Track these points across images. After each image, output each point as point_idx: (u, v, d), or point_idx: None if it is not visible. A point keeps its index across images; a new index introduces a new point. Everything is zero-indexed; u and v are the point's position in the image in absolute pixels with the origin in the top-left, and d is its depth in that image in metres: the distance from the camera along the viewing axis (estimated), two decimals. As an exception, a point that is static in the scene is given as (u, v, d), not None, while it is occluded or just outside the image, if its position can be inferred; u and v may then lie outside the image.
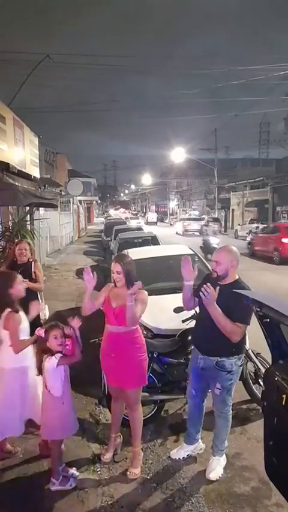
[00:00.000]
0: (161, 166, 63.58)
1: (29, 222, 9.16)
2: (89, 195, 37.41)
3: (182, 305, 3.88)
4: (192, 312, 3.80)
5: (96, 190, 53.57)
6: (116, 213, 51.12)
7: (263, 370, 4.01)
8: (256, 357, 4.20)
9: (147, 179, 66.39)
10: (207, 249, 15.33)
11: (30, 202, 7.82)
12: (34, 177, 11.03)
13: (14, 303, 3.28)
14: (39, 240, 11.61)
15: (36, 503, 2.92)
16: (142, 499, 2.99)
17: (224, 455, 3.34)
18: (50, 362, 3.01)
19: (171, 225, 45.14)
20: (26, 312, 3.38)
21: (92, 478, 3.20)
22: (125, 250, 6.60)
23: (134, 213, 65.36)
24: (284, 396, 2.23)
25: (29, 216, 9.18)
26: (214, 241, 15.94)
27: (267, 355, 2.96)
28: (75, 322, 3.08)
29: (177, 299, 4.41)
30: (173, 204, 64.84)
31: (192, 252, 6.34)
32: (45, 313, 5.05)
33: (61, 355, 3.02)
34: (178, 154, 38.46)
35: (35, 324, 3.49)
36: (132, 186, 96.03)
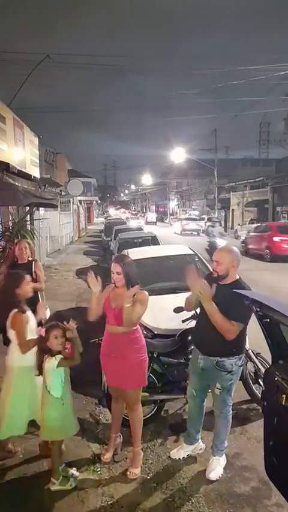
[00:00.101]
0: (161, 167, 63.61)
1: (29, 222, 9.17)
2: (89, 195, 37.42)
3: (182, 305, 3.88)
4: (192, 312, 3.80)
5: (96, 190, 53.60)
6: (116, 213, 51.14)
7: (263, 370, 4.01)
8: (256, 357, 4.20)
9: (147, 179, 66.39)
10: (213, 251, 15.03)
11: (30, 202, 7.83)
12: (34, 177, 11.04)
13: (21, 303, 3.31)
14: (39, 240, 11.62)
15: (36, 503, 2.92)
16: (142, 499, 2.99)
17: (224, 455, 3.34)
18: (50, 362, 3.01)
19: (171, 225, 45.23)
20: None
21: (92, 478, 3.20)
22: (125, 250, 6.61)
23: (134, 213, 65.40)
24: (284, 396, 2.23)
25: (29, 216, 9.19)
26: (221, 243, 14.54)
27: (267, 355, 2.96)
28: (71, 325, 3.08)
29: (177, 299, 4.41)
30: (173, 204, 64.86)
31: (192, 252, 6.34)
32: (46, 313, 5.06)
33: (61, 356, 3.02)
34: (178, 155, 38.44)
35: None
36: (132, 186, 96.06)
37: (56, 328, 3.07)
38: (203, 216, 41.32)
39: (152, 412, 3.95)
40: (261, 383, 3.85)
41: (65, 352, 3.04)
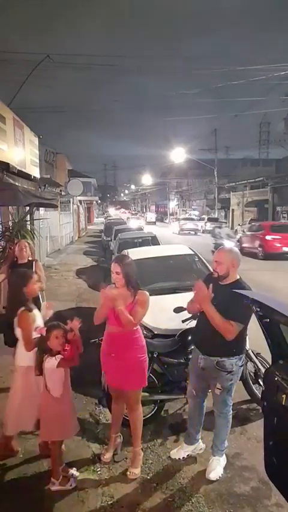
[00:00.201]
0: (161, 167, 63.63)
1: (29, 222, 9.16)
2: (89, 195, 37.42)
3: (182, 305, 3.88)
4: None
5: (96, 191, 53.61)
6: (116, 213, 51.17)
7: (263, 370, 4.00)
8: (256, 357, 4.20)
9: (147, 179, 66.42)
10: None
11: (30, 202, 7.82)
12: (34, 177, 11.03)
13: (27, 302, 3.34)
14: (39, 240, 11.61)
15: (36, 503, 2.92)
16: (142, 499, 2.99)
17: (224, 455, 3.34)
18: (50, 363, 3.01)
19: (170, 225, 45.38)
20: None
21: (92, 478, 3.20)
22: (125, 250, 6.61)
23: (134, 212, 65.45)
24: (284, 396, 2.23)
25: (29, 216, 9.18)
26: (229, 245, 14.48)
27: (267, 355, 2.96)
28: (75, 323, 3.08)
29: (177, 299, 4.42)
30: (173, 204, 64.88)
31: (192, 252, 6.34)
32: (49, 313, 5.07)
33: (61, 356, 3.02)
34: (178, 155, 38.49)
35: None
36: (132, 186, 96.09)
37: (56, 328, 3.07)
38: (203, 216, 41.38)
39: (152, 412, 3.95)
40: (261, 383, 3.85)
41: (64, 353, 3.04)
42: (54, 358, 3.00)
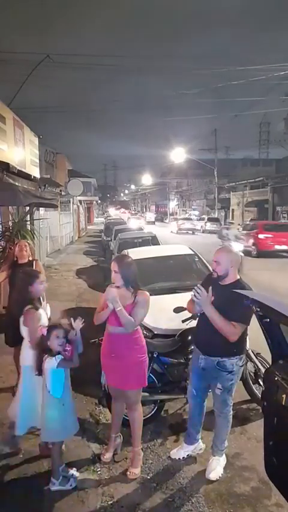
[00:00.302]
0: (161, 167, 63.69)
1: (29, 222, 9.15)
2: (89, 195, 37.41)
3: (181, 305, 3.88)
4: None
5: (96, 190, 53.59)
6: (116, 213, 51.19)
7: (263, 370, 4.01)
8: (256, 357, 4.20)
9: (147, 179, 66.45)
10: None
11: (30, 202, 7.82)
12: (34, 177, 11.03)
13: (33, 301, 3.35)
14: (39, 240, 11.61)
15: (36, 503, 2.92)
16: (142, 499, 2.99)
17: (224, 455, 3.34)
18: (50, 363, 3.01)
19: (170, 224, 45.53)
20: None
21: (92, 478, 3.20)
22: (125, 250, 6.61)
23: (133, 212, 65.50)
24: (284, 396, 2.23)
25: (29, 216, 9.17)
26: (238, 247, 13.14)
27: (267, 355, 2.96)
28: (78, 323, 3.08)
29: (177, 299, 4.42)
30: (173, 204, 64.91)
31: (192, 252, 6.35)
32: (47, 313, 5.07)
33: (61, 356, 3.01)
34: (178, 155, 38.53)
35: None
36: (132, 186, 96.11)
37: (58, 327, 3.07)
38: (203, 216, 41.43)
39: (152, 412, 3.95)
40: (261, 383, 3.85)
41: (64, 353, 3.04)
42: (54, 358, 3.00)
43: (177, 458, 3.45)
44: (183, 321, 3.89)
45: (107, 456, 3.41)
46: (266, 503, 2.96)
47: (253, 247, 17.20)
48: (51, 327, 3.09)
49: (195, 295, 3.06)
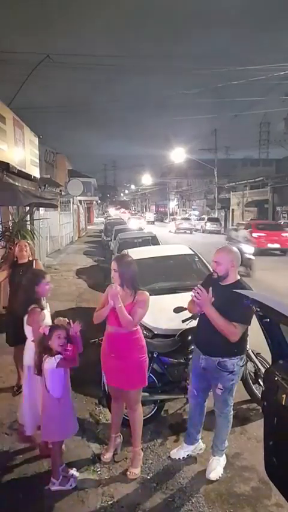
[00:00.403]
0: (161, 167, 63.76)
1: (29, 222, 9.15)
2: (89, 195, 37.42)
3: (181, 305, 3.88)
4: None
5: (96, 190, 53.60)
6: (116, 213, 51.21)
7: (263, 370, 4.01)
8: (256, 357, 4.20)
9: (147, 179, 66.51)
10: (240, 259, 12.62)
11: (30, 202, 7.82)
12: (34, 177, 11.03)
13: (39, 301, 3.36)
14: (39, 240, 11.61)
15: (36, 503, 2.92)
16: (142, 499, 2.99)
17: (224, 455, 3.34)
18: (50, 363, 3.00)
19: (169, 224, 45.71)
20: None
21: (92, 478, 3.20)
22: (125, 250, 6.60)
23: (133, 212, 65.56)
24: (284, 396, 2.23)
25: (29, 216, 9.17)
26: (248, 250, 12.24)
27: (267, 355, 2.96)
28: (76, 327, 3.08)
29: (177, 299, 4.43)
30: (173, 204, 64.94)
31: (192, 252, 6.34)
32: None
33: (61, 356, 3.01)
34: (178, 155, 38.58)
35: None
36: (132, 186, 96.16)
37: (60, 328, 3.07)
38: (203, 216, 41.46)
39: (152, 412, 3.95)
40: (261, 383, 3.85)
41: (65, 353, 3.04)
42: (53, 358, 3.00)
43: (177, 458, 3.45)
44: (183, 321, 3.89)
45: (107, 456, 3.41)
46: (266, 503, 2.96)
47: None
48: (53, 327, 3.09)
49: (195, 296, 3.06)
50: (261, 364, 4.16)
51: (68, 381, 3.11)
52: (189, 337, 3.87)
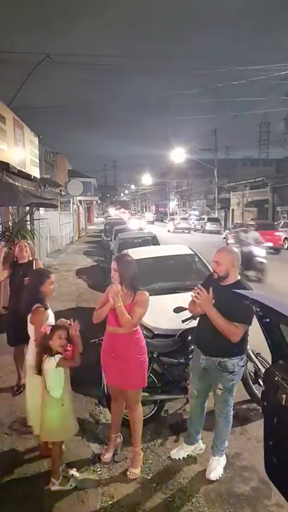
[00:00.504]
0: (161, 167, 63.72)
1: (29, 222, 9.16)
2: (89, 195, 37.45)
3: (182, 305, 3.88)
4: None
5: (96, 191, 53.66)
6: (116, 213, 51.24)
7: (263, 370, 4.00)
8: (256, 357, 4.20)
9: (147, 179, 66.50)
10: (249, 264, 10.85)
11: (30, 202, 7.83)
12: (34, 177, 11.04)
13: (43, 300, 3.36)
14: (39, 240, 11.62)
15: (36, 503, 2.92)
16: (142, 499, 2.99)
17: (224, 455, 3.34)
18: (50, 363, 3.01)
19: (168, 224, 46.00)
20: None
21: (92, 478, 3.20)
22: (125, 250, 6.60)
23: (133, 212, 65.60)
24: (284, 396, 2.23)
25: (29, 216, 9.18)
26: (259, 253, 11.45)
27: (267, 355, 2.96)
28: (76, 325, 3.08)
29: (177, 299, 4.42)
30: (173, 204, 64.96)
31: (192, 252, 6.34)
32: None
33: (60, 356, 3.02)
34: (178, 155, 38.58)
35: None
36: (132, 186, 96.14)
37: (61, 328, 3.07)
38: (203, 216, 41.48)
39: (152, 412, 3.94)
40: (261, 383, 3.85)
41: (65, 353, 3.04)
42: (53, 358, 3.00)
43: (177, 459, 3.45)
44: (183, 321, 3.89)
45: (107, 456, 3.41)
46: (266, 503, 2.96)
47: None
48: (54, 327, 3.10)
49: (196, 296, 3.05)
50: (261, 364, 4.16)
51: (68, 381, 3.11)
52: (189, 337, 3.87)
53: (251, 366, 4.24)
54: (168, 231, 35.42)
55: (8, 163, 7.84)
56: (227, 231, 24.22)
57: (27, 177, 9.95)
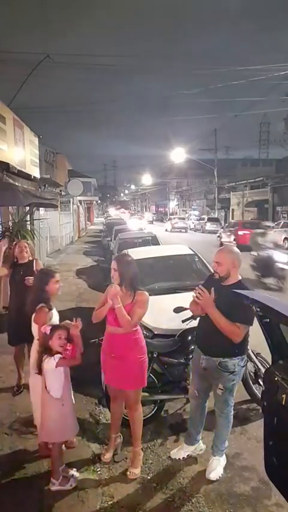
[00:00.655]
0: (161, 167, 63.71)
1: (29, 222, 9.16)
2: (89, 195, 37.43)
3: (181, 305, 3.88)
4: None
5: (96, 191, 53.66)
6: (116, 213, 51.28)
7: (263, 370, 4.00)
8: (256, 357, 4.20)
9: (147, 179, 66.50)
10: (268, 270, 9.98)
11: (30, 202, 7.83)
12: (34, 177, 11.03)
13: (48, 300, 3.38)
14: (39, 240, 11.62)
15: (36, 503, 2.92)
16: (142, 499, 2.99)
17: (224, 455, 3.34)
18: (50, 363, 3.00)
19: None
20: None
21: (92, 478, 3.20)
22: (125, 250, 6.60)
23: (133, 212, 65.64)
24: (284, 396, 2.23)
25: (29, 216, 9.18)
26: (280, 258, 10.13)
27: (267, 355, 2.96)
28: (77, 327, 3.08)
29: (177, 299, 4.42)
30: (173, 204, 64.98)
31: (192, 252, 6.35)
32: None
33: (60, 356, 3.01)
34: (178, 155, 38.59)
35: None
36: (132, 186, 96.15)
37: (61, 328, 3.07)
38: (203, 216, 41.50)
39: (152, 412, 3.94)
40: (261, 383, 3.85)
41: (65, 353, 3.03)
42: (52, 358, 3.00)
43: (177, 459, 3.45)
44: (183, 321, 3.89)
45: (107, 456, 3.41)
46: (266, 503, 2.96)
47: (233, 242, 19.67)
48: (55, 327, 3.10)
49: (197, 297, 3.05)
50: (261, 364, 4.16)
51: (68, 381, 3.11)
52: (190, 337, 3.87)
53: (251, 366, 4.23)
54: (166, 230, 36.04)
55: (8, 163, 7.84)
56: (221, 229, 24.95)
57: (27, 177, 9.95)
